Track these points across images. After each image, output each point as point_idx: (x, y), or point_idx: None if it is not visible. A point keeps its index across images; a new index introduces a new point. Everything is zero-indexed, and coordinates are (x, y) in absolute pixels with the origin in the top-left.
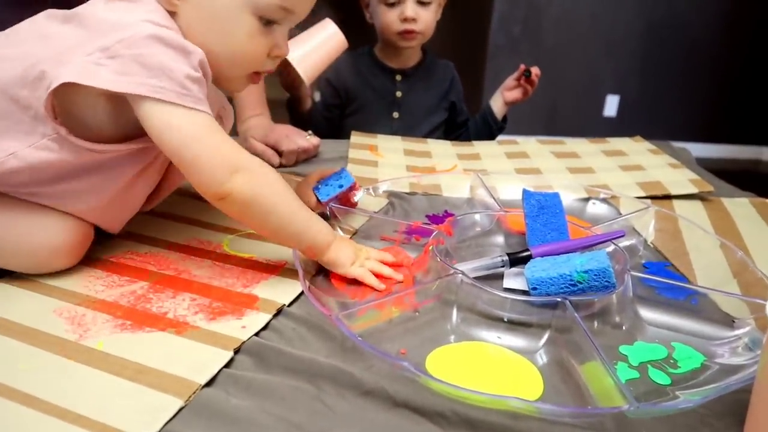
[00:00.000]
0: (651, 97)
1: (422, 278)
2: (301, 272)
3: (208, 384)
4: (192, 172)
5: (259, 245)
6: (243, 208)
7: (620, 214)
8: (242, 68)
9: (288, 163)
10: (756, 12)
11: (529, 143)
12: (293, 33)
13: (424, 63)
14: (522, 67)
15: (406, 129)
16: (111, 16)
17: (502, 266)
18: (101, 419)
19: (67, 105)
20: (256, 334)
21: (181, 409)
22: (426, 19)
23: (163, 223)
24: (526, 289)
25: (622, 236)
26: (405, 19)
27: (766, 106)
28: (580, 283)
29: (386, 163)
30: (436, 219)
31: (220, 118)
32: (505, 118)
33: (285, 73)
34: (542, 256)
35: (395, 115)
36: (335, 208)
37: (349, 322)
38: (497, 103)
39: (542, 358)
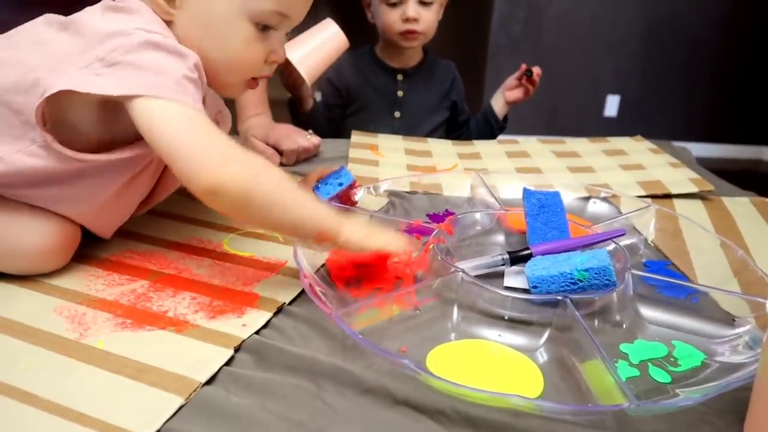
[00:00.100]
0: (651, 97)
1: (423, 276)
2: (301, 270)
3: (209, 382)
4: (182, 165)
5: (259, 244)
6: (238, 203)
7: (621, 212)
8: (240, 74)
9: (289, 162)
10: (756, 12)
11: (529, 142)
12: (293, 33)
13: (426, 62)
14: (523, 66)
15: (408, 128)
16: (107, 25)
17: (503, 265)
18: (102, 417)
19: (59, 113)
20: (257, 333)
21: (181, 407)
22: (428, 19)
23: (162, 222)
24: (527, 287)
25: (623, 235)
26: (407, 19)
27: (766, 106)
28: (581, 281)
29: (387, 162)
30: (436, 218)
31: (216, 123)
32: (506, 117)
33: (286, 72)
34: (543, 255)
35: (396, 114)
36: (336, 206)
37: (349, 320)
38: (498, 103)
39: (543, 356)
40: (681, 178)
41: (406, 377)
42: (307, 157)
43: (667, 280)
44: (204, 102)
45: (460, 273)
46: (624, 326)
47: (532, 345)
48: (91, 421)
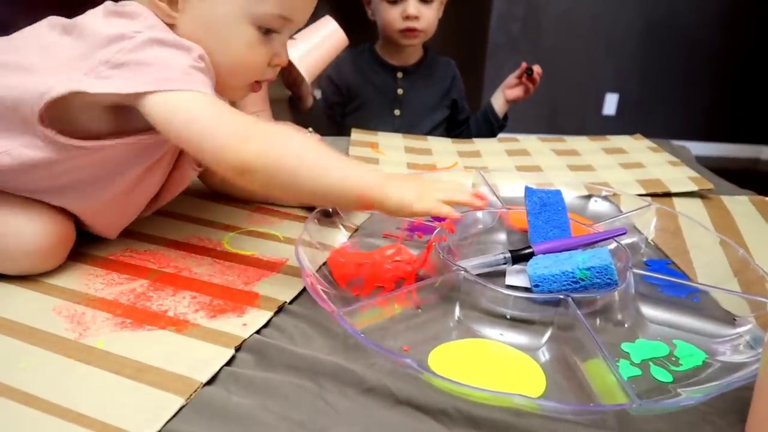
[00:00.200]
0: (650, 96)
1: (425, 275)
2: (303, 268)
3: (209, 382)
4: (205, 150)
5: (259, 243)
6: (267, 177)
7: (621, 211)
8: (243, 78)
9: None
10: (755, 11)
11: (529, 141)
12: None
13: (426, 60)
14: (524, 65)
15: (408, 126)
16: (110, 29)
17: (505, 263)
18: (102, 418)
19: (61, 113)
20: (258, 332)
21: (182, 408)
22: (428, 17)
23: (162, 220)
24: (529, 286)
25: (624, 234)
26: (407, 17)
27: (765, 105)
28: (583, 280)
29: (387, 160)
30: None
31: None
32: (506, 116)
33: (286, 71)
34: (544, 254)
35: (396, 112)
36: None
37: (351, 319)
38: (498, 101)
39: (545, 355)
40: (680, 177)
41: (408, 376)
42: None
43: (668, 279)
44: None
45: (462, 272)
46: (625, 325)
47: (534, 344)
48: (91, 422)
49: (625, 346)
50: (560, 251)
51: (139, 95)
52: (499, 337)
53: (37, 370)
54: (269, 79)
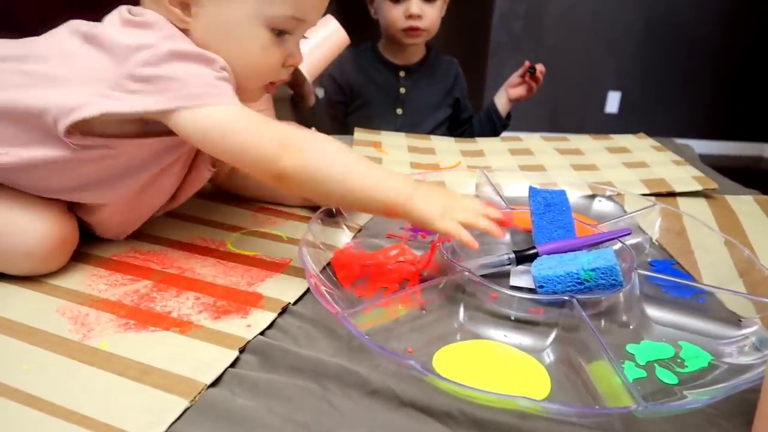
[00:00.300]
0: (652, 94)
1: (429, 276)
2: (307, 269)
3: (214, 384)
4: (244, 161)
5: (263, 243)
6: (301, 183)
7: (625, 211)
8: (258, 80)
9: None
10: (756, 8)
11: (532, 140)
12: None
13: (428, 59)
14: (527, 63)
15: (410, 125)
16: (130, 40)
17: (509, 264)
18: (105, 420)
19: (85, 123)
20: (262, 333)
21: (186, 410)
22: (431, 16)
23: (166, 221)
24: (533, 287)
25: (629, 234)
26: (410, 16)
27: (766, 103)
28: (587, 281)
29: (390, 160)
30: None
31: None
32: (509, 115)
33: None
34: (549, 254)
35: (399, 111)
36: None
37: (355, 320)
38: (501, 100)
39: (549, 356)
40: (684, 176)
41: (413, 378)
42: None
43: (673, 279)
44: None
45: (466, 272)
46: (630, 327)
47: (539, 345)
48: (95, 424)
49: (630, 348)
50: (565, 252)
51: (168, 111)
52: (504, 338)
53: (41, 371)
54: (283, 80)
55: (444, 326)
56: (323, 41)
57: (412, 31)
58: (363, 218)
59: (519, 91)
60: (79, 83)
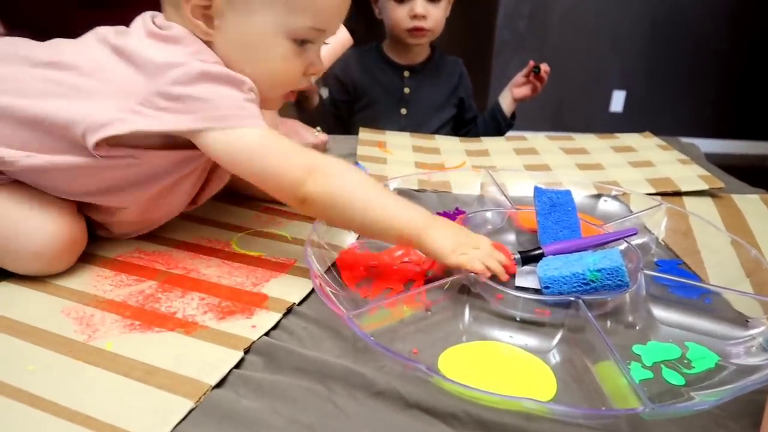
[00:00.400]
0: (658, 93)
1: (434, 276)
2: (312, 270)
3: (218, 385)
4: (269, 184)
5: (267, 243)
6: (323, 209)
7: (631, 211)
8: (280, 89)
9: None
10: (761, 6)
11: (537, 139)
12: None
13: (433, 59)
14: (531, 63)
15: (415, 125)
16: (159, 55)
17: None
18: (110, 421)
19: (114, 138)
20: (266, 334)
21: (191, 411)
22: (436, 16)
23: (171, 221)
24: (539, 287)
25: (635, 234)
26: (415, 16)
27: None
28: (593, 281)
29: (395, 160)
30: (447, 216)
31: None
32: (513, 114)
33: None
34: (554, 255)
35: (403, 111)
36: None
37: (360, 321)
38: (506, 100)
39: (555, 357)
40: (690, 176)
41: (418, 380)
42: None
43: (680, 280)
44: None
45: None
46: (637, 327)
47: (545, 346)
48: (99, 425)
49: (637, 349)
50: (570, 252)
51: (197, 131)
52: (509, 339)
53: (45, 371)
54: (304, 88)
55: (449, 327)
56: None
57: (416, 31)
58: None
59: (523, 91)
60: (107, 96)
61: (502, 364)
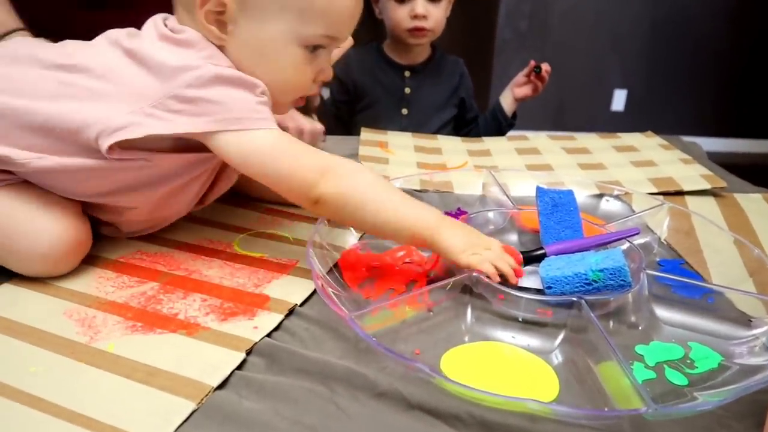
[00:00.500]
0: (658, 92)
1: (436, 277)
2: (314, 271)
3: (220, 386)
4: (282, 185)
5: (269, 244)
6: (336, 209)
7: (633, 211)
8: (291, 95)
9: None
10: (762, 5)
11: (539, 139)
12: None
13: (434, 59)
14: (532, 62)
15: (416, 125)
16: (172, 58)
17: None
18: (112, 422)
19: (127, 141)
20: (268, 335)
21: (193, 412)
22: (436, 16)
23: (172, 222)
24: (541, 288)
25: (637, 234)
26: (415, 16)
27: None
28: (596, 282)
29: (397, 160)
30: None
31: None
32: (515, 114)
33: None
34: (557, 255)
35: (404, 111)
36: None
37: (362, 322)
38: (507, 100)
39: (558, 358)
40: (693, 175)
41: (420, 381)
42: (312, 143)
43: (682, 279)
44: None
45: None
46: (639, 327)
47: (547, 347)
48: (101, 427)
49: (640, 349)
50: (573, 252)
51: (210, 133)
52: (512, 339)
53: (48, 373)
54: (313, 94)
55: (451, 328)
56: None
57: (417, 31)
58: None
59: (524, 91)
60: (119, 98)
61: (504, 364)
